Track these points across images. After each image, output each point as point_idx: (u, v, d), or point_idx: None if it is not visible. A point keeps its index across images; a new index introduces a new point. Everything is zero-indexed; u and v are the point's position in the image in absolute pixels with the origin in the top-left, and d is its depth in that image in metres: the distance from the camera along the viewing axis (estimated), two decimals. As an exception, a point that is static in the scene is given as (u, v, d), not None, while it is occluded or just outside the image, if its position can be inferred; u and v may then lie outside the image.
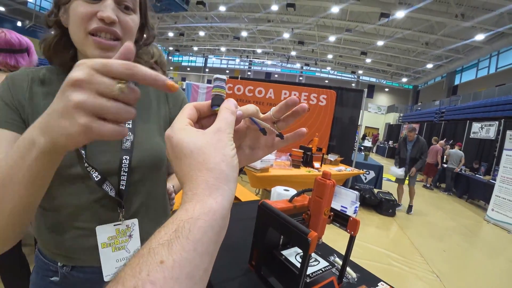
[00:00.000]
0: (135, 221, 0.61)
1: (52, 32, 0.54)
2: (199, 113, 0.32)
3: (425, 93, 21.25)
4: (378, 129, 21.13)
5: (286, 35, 15.20)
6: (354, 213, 3.49)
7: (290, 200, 0.96)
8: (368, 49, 15.76)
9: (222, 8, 12.46)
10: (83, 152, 0.53)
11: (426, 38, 12.79)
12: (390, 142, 16.71)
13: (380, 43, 13.67)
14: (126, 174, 0.57)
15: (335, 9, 10.69)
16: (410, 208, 4.65)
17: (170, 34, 20.25)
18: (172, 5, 7.79)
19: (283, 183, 3.08)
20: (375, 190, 4.74)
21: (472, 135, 9.52)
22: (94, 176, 0.53)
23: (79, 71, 0.27)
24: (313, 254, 0.96)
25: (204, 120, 0.34)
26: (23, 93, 0.51)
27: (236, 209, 1.55)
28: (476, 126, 9.38)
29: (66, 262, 0.57)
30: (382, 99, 24.46)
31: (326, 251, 1.07)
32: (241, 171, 0.50)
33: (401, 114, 19.73)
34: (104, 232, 0.57)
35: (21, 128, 0.48)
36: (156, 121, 0.66)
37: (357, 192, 3.72)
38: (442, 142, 8.15)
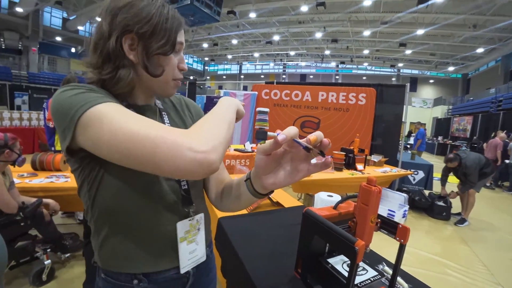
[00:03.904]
0: (202, 215, 0.70)
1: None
2: None
3: (477, 81, 19.18)
4: (424, 124, 19.58)
5: (318, 35, 14.91)
6: (403, 217, 3.29)
7: (335, 207, 0.95)
8: (407, 39, 14.76)
9: (252, 15, 12.64)
10: None
11: (473, 20, 11.55)
12: (440, 138, 15.41)
13: (420, 32, 12.68)
14: None
15: (367, 2, 10.24)
16: (462, 220, 3.90)
17: (205, 45, 21.07)
18: (205, 17, 8.11)
19: (325, 187, 3.04)
20: (426, 192, 4.40)
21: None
22: (163, 180, 0.62)
23: None
24: (360, 263, 0.94)
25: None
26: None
27: (280, 215, 1.57)
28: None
29: (146, 270, 0.62)
30: (427, 92, 22.67)
31: (374, 259, 1.04)
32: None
33: (450, 107, 18.09)
34: (183, 228, 0.64)
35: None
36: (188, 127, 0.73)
37: (405, 195, 3.51)
38: (503, 134, 7.24)
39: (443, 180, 4.12)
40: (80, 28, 16.81)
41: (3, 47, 16.43)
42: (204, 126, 0.48)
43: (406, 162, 4.74)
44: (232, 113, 0.56)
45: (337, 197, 1.35)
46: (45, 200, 1.97)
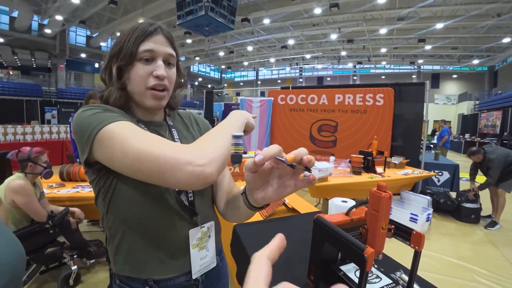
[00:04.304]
0: (212, 223, 0.73)
1: (103, 86, 0.69)
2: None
3: (505, 73, 17.95)
4: (449, 122, 18.65)
5: (333, 36, 14.76)
6: (427, 220, 3.16)
7: (347, 213, 0.94)
8: (426, 35, 14.23)
9: (266, 21, 12.74)
10: None
11: (497, 8, 10.92)
12: (467, 136, 14.64)
13: (439, 25, 12.14)
14: None
15: (381, 0, 10.03)
16: (492, 223, 3.65)
17: (221, 54, 21.46)
18: (220, 27, 8.27)
19: (343, 191, 2.98)
20: (452, 193, 4.18)
21: None
22: (171, 191, 0.65)
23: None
24: (374, 270, 0.92)
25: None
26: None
27: (294, 222, 1.57)
28: None
29: (157, 276, 0.65)
30: (451, 88, 21.60)
31: (390, 267, 1.01)
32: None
33: (477, 102, 17.06)
34: (195, 235, 0.68)
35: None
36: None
37: (428, 197, 3.36)
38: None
39: (471, 175, 3.94)
40: (102, 44, 17.74)
41: (34, 66, 17.68)
42: (206, 140, 0.53)
43: (429, 163, 4.53)
44: (239, 126, 0.61)
45: (351, 203, 1.32)
46: (71, 208, 2.09)
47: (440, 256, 2.79)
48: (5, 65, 17.51)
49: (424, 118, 4.43)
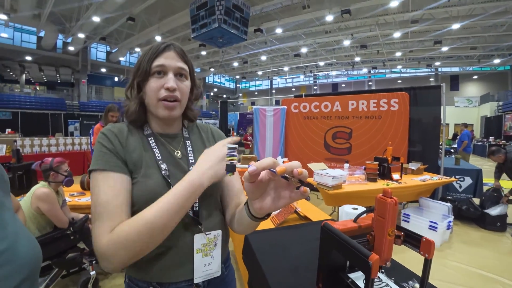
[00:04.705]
0: (219, 232, 0.75)
1: (129, 102, 0.75)
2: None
3: (529, 72, 17.25)
4: (471, 125, 17.87)
5: (346, 42, 14.67)
6: (448, 228, 3.04)
7: (355, 220, 0.94)
8: (442, 36, 13.83)
9: (279, 30, 12.85)
10: (169, 180, 0.69)
11: None
12: (491, 139, 13.98)
13: (455, 26, 11.73)
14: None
15: (394, 3, 9.85)
16: None
17: (235, 64, 21.82)
18: (233, 38, 8.45)
19: (358, 199, 2.93)
20: (475, 200, 3.99)
21: None
22: None
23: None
24: (384, 278, 0.91)
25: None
26: (116, 141, 0.69)
27: (306, 229, 1.56)
28: None
29: (161, 280, 0.69)
30: (472, 89, 20.77)
31: (402, 275, 0.99)
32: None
33: (501, 103, 16.26)
34: (199, 240, 0.70)
35: (123, 169, 0.67)
36: None
37: (449, 204, 3.24)
38: None
39: (496, 173, 3.81)
40: (121, 58, 18.54)
41: (59, 81, 18.73)
42: (132, 228, 0.58)
43: (450, 168, 4.36)
44: (190, 196, 0.60)
45: (362, 210, 1.31)
46: (91, 216, 2.18)
47: (462, 266, 2.65)
48: (32, 81, 18.72)
49: (442, 122, 4.29)
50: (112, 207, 0.60)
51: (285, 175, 0.47)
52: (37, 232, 1.90)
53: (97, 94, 20.77)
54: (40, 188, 1.90)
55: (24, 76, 18.20)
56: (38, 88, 18.75)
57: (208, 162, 0.63)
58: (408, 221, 3.15)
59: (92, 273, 2.10)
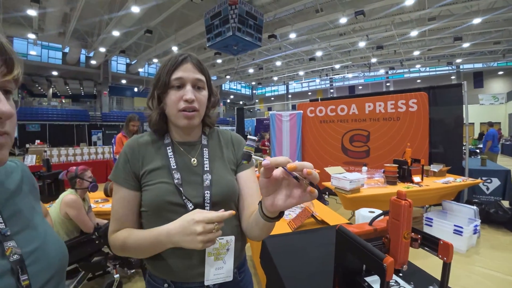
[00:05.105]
0: (232, 237, 0.77)
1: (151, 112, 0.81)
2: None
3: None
4: (498, 123, 16.88)
5: (362, 44, 14.42)
6: (475, 233, 2.90)
7: (370, 223, 0.93)
8: (462, 32, 13.27)
9: (293, 35, 12.86)
10: (181, 189, 0.73)
11: None
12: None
13: (476, 20, 11.17)
14: (209, 204, 0.75)
15: (409, 2, 9.60)
16: None
17: (251, 70, 22.02)
18: (247, 45, 8.56)
19: (376, 203, 2.87)
20: (504, 202, 3.77)
21: None
22: (189, 206, 0.72)
23: (198, 227, 0.61)
24: (402, 283, 0.90)
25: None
26: (134, 156, 0.77)
27: (323, 233, 1.56)
28: None
29: (174, 279, 0.74)
30: (497, 86, 19.63)
31: (422, 280, 0.97)
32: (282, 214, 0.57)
33: (529, 99, 15.43)
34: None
35: (133, 186, 0.75)
36: (226, 163, 0.84)
37: (475, 207, 3.10)
38: None
39: None
40: (140, 70, 19.26)
41: (83, 94, 19.72)
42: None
43: (475, 169, 4.15)
44: (154, 247, 0.70)
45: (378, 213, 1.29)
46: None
47: (491, 273, 2.51)
48: (58, 94, 19.83)
49: (465, 121, 4.12)
50: (119, 215, 0.75)
51: (296, 175, 0.49)
52: (66, 236, 2.01)
53: (118, 105, 21.61)
54: (68, 195, 2.02)
55: (51, 90, 19.39)
56: (64, 101, 19.80)
57: (180, 231, 0.64)
58: (431, 225, 3.04)
59: (116, 276, 2.18)
